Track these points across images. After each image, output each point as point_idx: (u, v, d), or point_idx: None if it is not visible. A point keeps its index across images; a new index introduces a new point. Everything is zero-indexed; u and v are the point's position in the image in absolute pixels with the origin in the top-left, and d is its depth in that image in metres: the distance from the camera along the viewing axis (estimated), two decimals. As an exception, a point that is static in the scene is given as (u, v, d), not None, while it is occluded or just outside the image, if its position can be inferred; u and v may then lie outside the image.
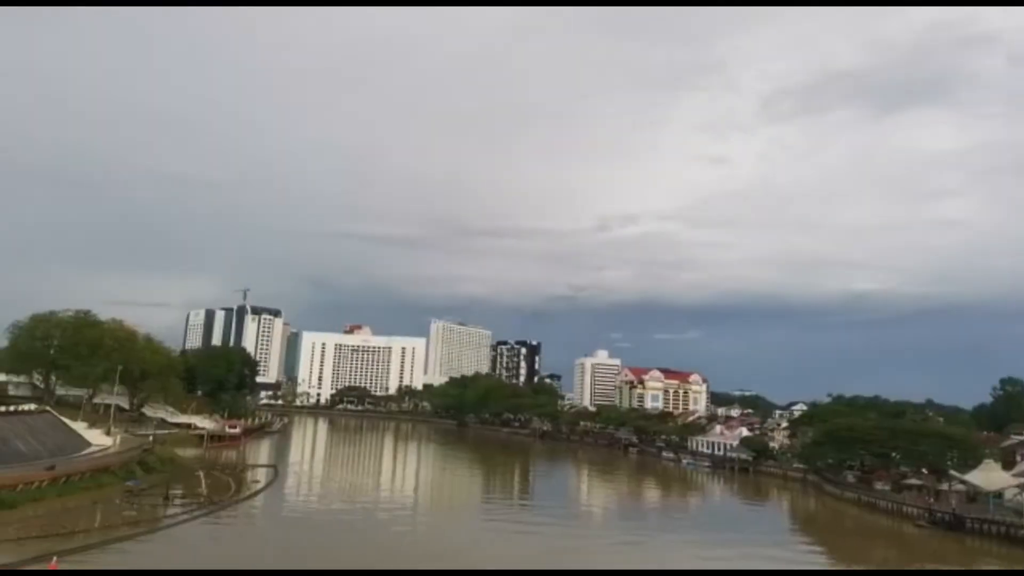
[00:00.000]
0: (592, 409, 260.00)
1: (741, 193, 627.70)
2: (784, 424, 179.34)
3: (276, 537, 59.08)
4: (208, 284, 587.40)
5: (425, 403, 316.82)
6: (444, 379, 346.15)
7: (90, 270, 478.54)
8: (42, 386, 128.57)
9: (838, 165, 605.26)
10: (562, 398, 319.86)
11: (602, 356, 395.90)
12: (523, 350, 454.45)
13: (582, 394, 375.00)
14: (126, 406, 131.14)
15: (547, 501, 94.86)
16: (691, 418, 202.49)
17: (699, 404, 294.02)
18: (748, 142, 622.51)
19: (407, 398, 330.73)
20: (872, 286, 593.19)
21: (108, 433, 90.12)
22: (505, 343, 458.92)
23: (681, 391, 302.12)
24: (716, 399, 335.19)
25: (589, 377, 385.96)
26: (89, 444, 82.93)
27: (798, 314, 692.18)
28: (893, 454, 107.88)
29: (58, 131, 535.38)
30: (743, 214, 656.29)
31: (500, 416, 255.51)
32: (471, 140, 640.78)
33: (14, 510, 54.19)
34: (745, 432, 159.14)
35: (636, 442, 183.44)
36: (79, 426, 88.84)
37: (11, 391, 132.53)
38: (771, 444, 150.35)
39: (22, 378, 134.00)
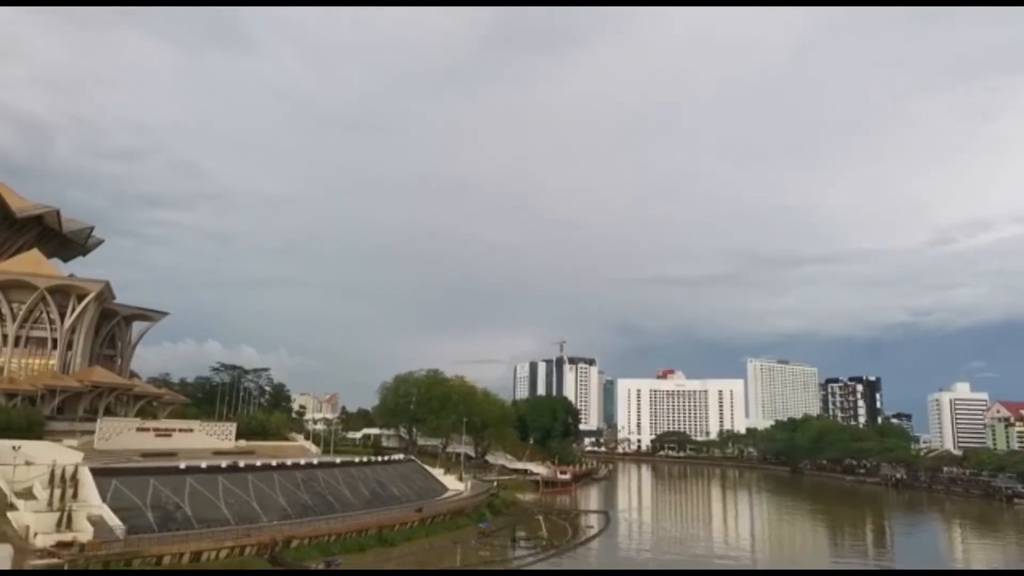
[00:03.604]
0: (957, 452, 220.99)
1: None
2: None
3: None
4: (529, 338, 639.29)
5: (750, 448, 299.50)
6: (768, 422, 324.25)
7: (433, 333, 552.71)
8: (406, 437, 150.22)
9: None
10: (915, 440, 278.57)
11: (962, 389, 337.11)
12: (859, 387, 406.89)
13: (940, 435, 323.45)
14: (472, 454, 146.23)
15: (912, 562, 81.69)
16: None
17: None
18: None
19: (730, 443, 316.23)
20: None
21: (460, 479, 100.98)
22: (836, 380, 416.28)
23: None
24: None
25: (948, 415, 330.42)
26: (446, 489, 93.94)
27: None
28: None
29: (399, 215, 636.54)
30: None
31: (840, 462, 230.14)
32: (770, 165, 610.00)
33: (393, 547, 63.02)
34: None
35: (1023, 492, 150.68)
36: (437, 472, 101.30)
37: (384, 443, 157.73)
38: None
39: (391, 431, 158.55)
